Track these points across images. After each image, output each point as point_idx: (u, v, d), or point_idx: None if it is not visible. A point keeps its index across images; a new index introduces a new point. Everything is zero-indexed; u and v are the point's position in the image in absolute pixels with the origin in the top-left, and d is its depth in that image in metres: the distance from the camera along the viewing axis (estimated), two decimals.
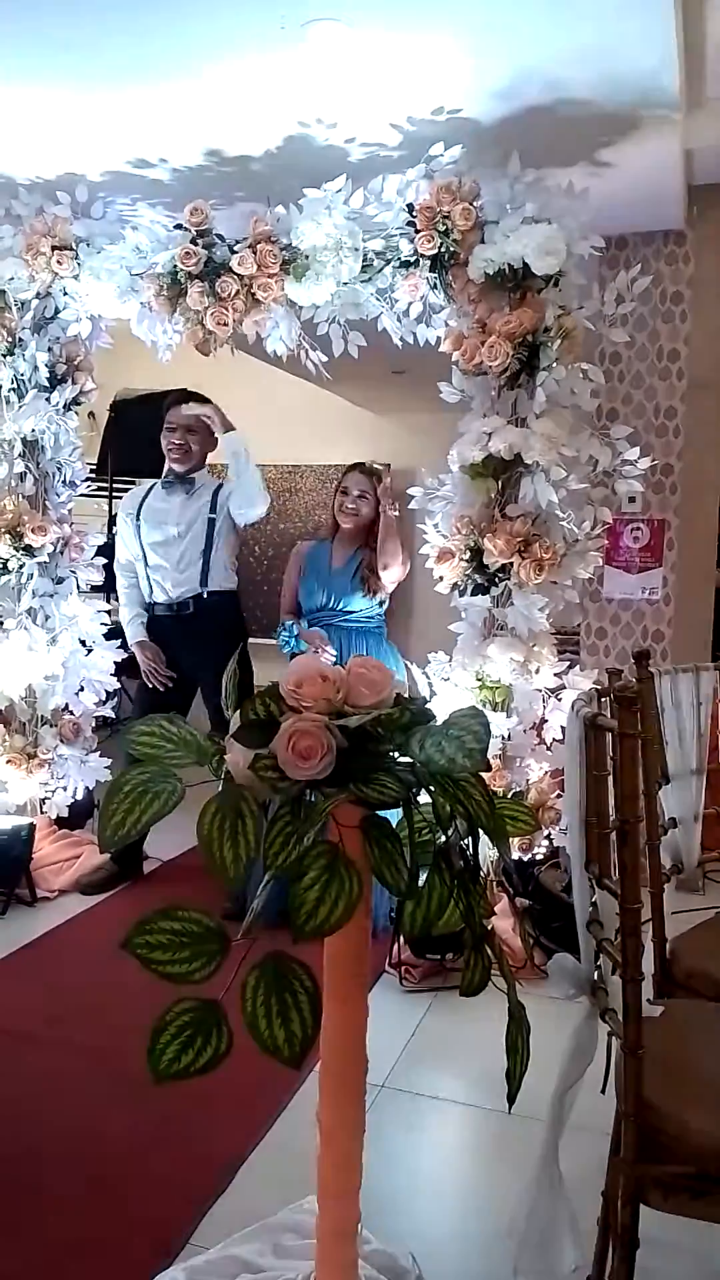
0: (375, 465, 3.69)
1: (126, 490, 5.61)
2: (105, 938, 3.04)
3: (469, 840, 1.34)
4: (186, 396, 3.64)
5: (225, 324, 3.21)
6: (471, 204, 2.92)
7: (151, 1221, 1.83)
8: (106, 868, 3.65)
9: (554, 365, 2.90)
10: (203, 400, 3.64)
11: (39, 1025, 2.58)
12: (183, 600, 3.64)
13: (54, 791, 3.68)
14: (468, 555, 3.05)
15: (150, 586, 3.69)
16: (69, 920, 3.35)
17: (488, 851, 2.83)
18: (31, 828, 3.48)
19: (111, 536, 4.19)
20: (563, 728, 2.91)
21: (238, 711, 1.34)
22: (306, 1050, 1.20)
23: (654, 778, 1.78)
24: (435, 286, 3.06)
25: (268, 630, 3.78)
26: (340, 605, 3.50)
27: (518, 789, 3.08)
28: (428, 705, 1.41)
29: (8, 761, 3.58)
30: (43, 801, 3.69)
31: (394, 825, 1.30)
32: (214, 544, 3.65)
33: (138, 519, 3.70)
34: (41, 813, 3.69)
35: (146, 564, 3.67)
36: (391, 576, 3.47)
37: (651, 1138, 1.32)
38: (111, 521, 5.52)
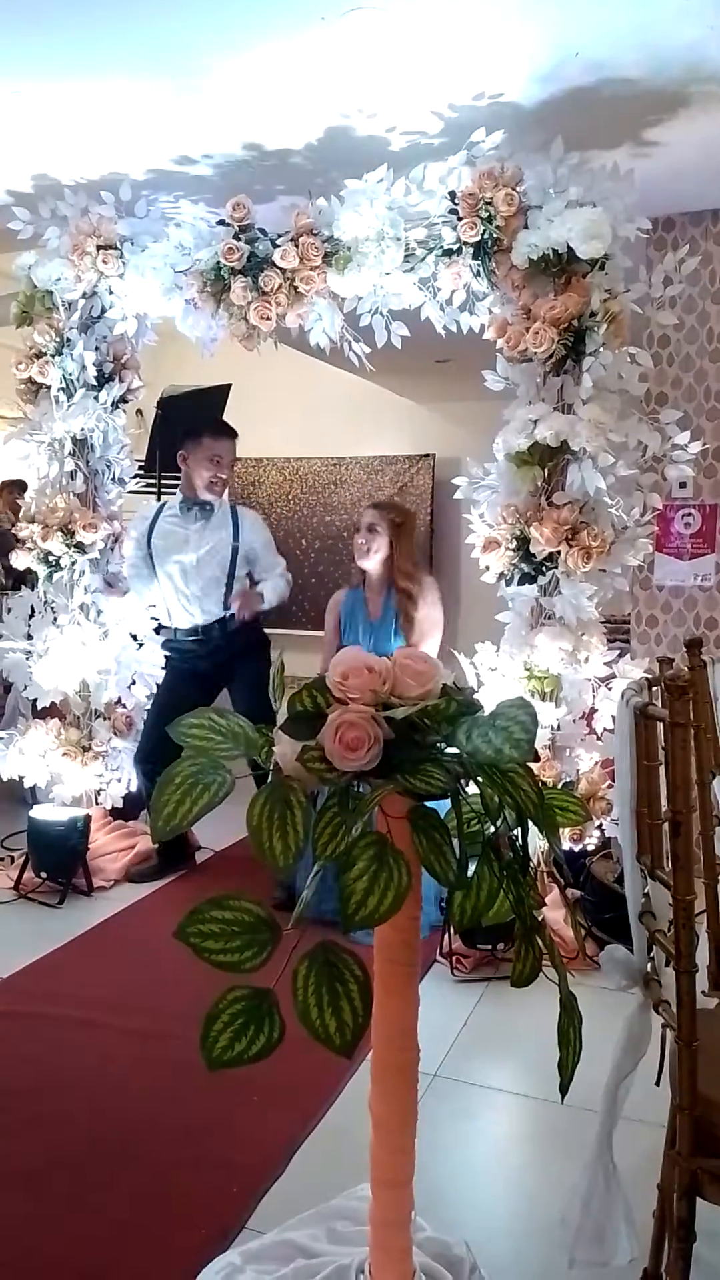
0: (393, 501, 3.61)
1: (174, 486, 5.68)
2: (159, 926, 3.09)
3: (518, 831, 1.33)
4: (224, 429, 3.65)
5: (269, 318, 3.22)
6: (514, 189, 2.89)
7: (208, 1206, 1.86)
8: (155, 857, 3.71)
9: (600, 350, 2.86)
10: (233, 435, 3.66)
11: (97, 1012, 2.63)
12: (207, 626, 3.62)
13: (108, 783, 3.74)
14: (514, 544, 3.02)
15: (169, 612, 3.66)
16: (124, 909, 3.41)
17: (538, 842, 2.81)
18: (87, 819, 3.55)
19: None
20: (613, 717, 2.88)
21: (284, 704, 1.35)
22: (357, 1039, 1.21)
23: (707, 768, 1.75)
24: (478, 274, 3.03)
25: (315, 623, 3.80)
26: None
27: (568, 779, 3.06)
28: (475, 696, 1.41)
29: (63, 754, 3.65)
30: (97, 793, 3.76)
31: (442, 816, 1.30)
32: (236, 572, 3.62)
33: (148, 545, 3.64)
34: (96, 804, 3.76)
35: (161, 589, 3.65)
36: (431, 647, 3.41)
37: (707, 1131, 1.31)
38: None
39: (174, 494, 3.82)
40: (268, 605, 3.62)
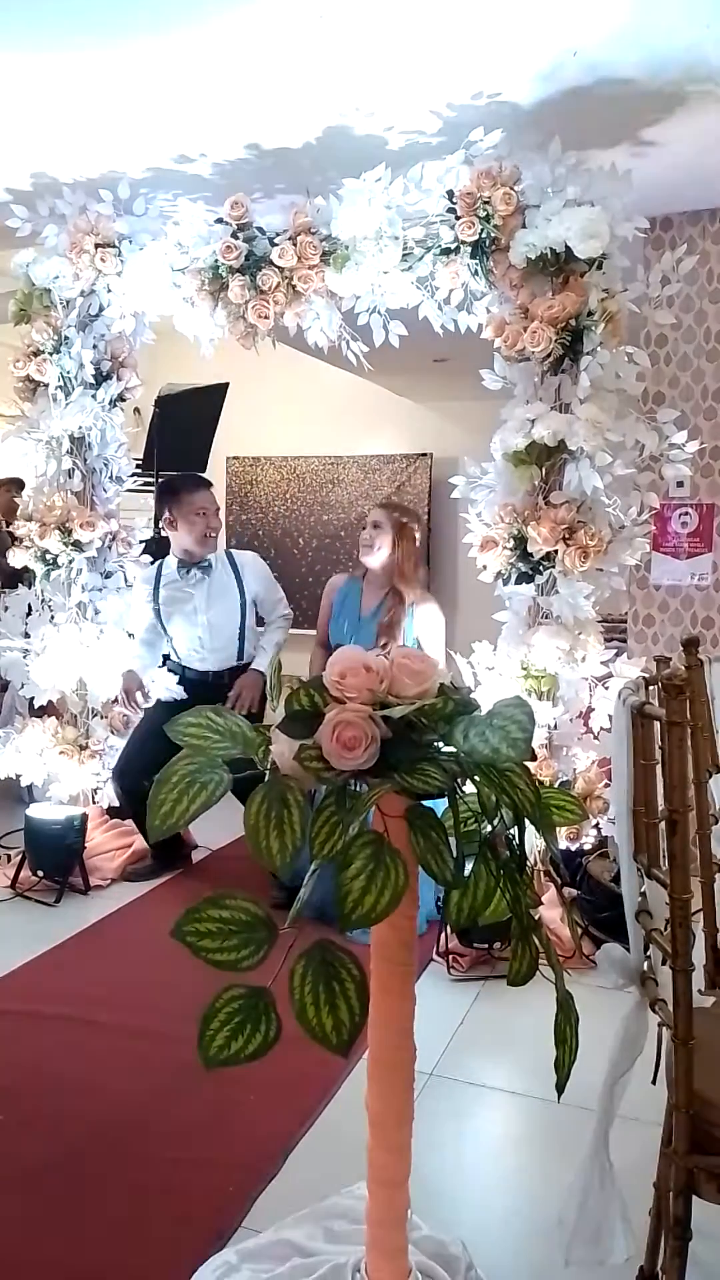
0: (402, 504, 3.63)
1: None
2: (156, 925, 3.09)
3: (515, 830, 1.33)
4: (198, 481, 3.66)
5: (267, 317, 3.22)
6: (512, 188, 2.89)
7: (204, 1205, 1.86)
8: (150, 857, 3.70)
9: (598, 349, 2.86)
10: (208, 484, 3.67)
11: (92, 1011, 2.63)
12: (219, 672, 3.64)
13: (105, 782, 3.74)
14: (511, 544, 3.03)
15: (179, 658, 3.68)
16: (121, 908, 3.41)
17: (534, 841, 2.81)
18: (84, 818, 3.55)
19: (158, 531, 4.22)
20: (610, 716, 2.88)
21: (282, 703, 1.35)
22: (354, 1038, 1.21)
23: (704, 766, 1.75)
24: (476, 273, 3.03)
25: (310, 621, 3.80)
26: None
27: (565, 778, 3.07)
28: (472, 695, 1.41)
29: (60, 753, 3.65)
30: (94, 792, 3.75)
31: (439, 815, 1.30)
32: (246, 620, 3.64)
33: (156, 601, 3.66)
34: (93, 803, 3.76)
35: (172, 641, 3.66)
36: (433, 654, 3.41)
37: (703, 1129, 1.31)
38: (158, 517, 5.58)
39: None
40: (269, 669, 3.61)
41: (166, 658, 3.76)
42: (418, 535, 3.51)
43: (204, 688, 3.62)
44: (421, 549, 3.50)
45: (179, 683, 3.67)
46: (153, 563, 3.80)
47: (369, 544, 3.44)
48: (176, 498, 3.58)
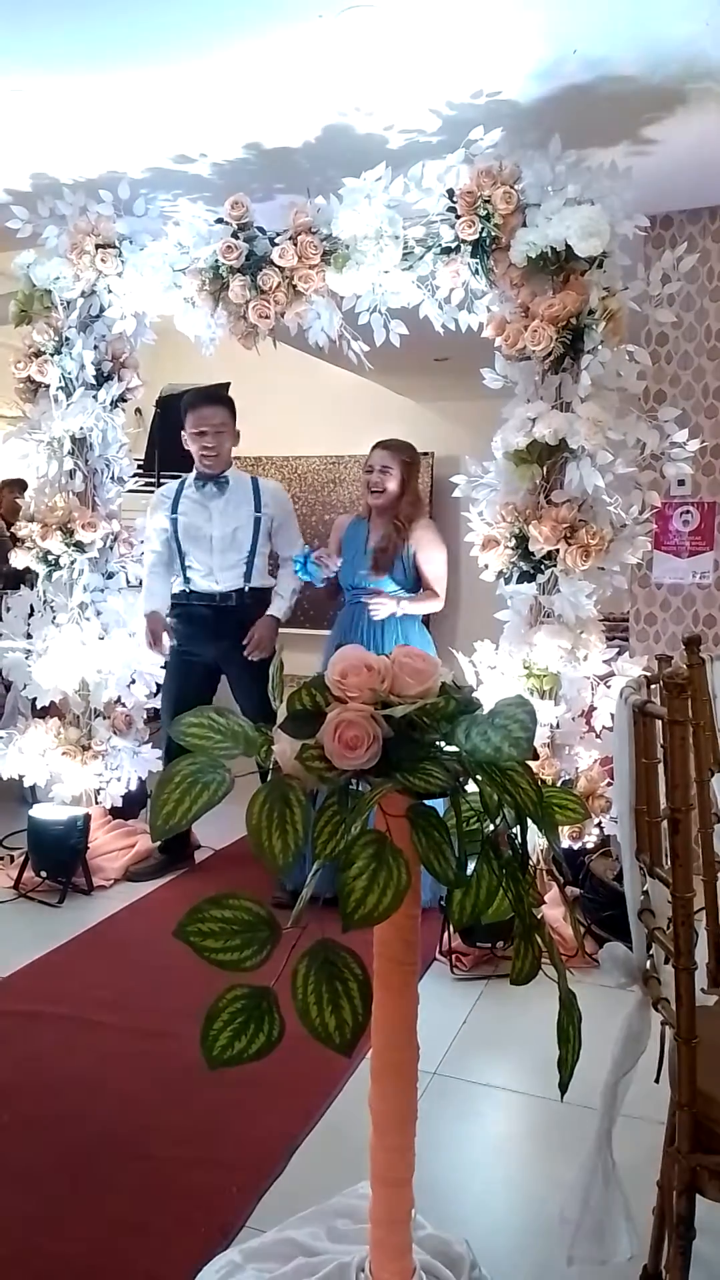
0: (402, 440, 3.64)
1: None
2: (159, 925, 3.09)
3: (517, 829, 1.33)
4: (206, 396, 3.62)
5: (267, 316, 3.22)
6: (513, 187, 2.89)
7: (208, 1205, 1.87)
8: (155, 856, 3.71)
9: (599, 348, 2.86)
10: (219, 399, 3.62)
11: (97, 1011, 2.63)
12: (225, 593, 3.62)
13: (108, 782, 3.74)
14: (513, 543, 3.03)
15: (187, 578, 3.66)
16: (124, 908, 3.41)
17: (537, 840, 2.81)
18: (87, 818, 3.55)
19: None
20: (612, 715, 2.88)
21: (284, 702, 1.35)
22: (357, 1037, 1.21)
23: (706, 765, 1.75)
24: (477, 272, 3.03)
25: (314, 622, 3.80)
26: (374, 585, 3.48)
27: (567, 777, 3.06)
28: (474, 694, 1.41)
29: (63, 753, 3.65)
30: (97, 792, 3.76)
31: (441, 814, 1.30)
32: (259, 542, 3.62)
33: (174, 513, 3.65)
34: (96, 803, 3.76)
35: (185, 564, 3.64)
36: (435, 590, 3.49)
37: (707, 1128, 1.31)
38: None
39: None
40: (285, 618, 3.63)
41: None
42: (420, 468, 3.55)
43: (211, 614, 3.62)
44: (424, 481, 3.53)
45: (185, 614, 3.66)
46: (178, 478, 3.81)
47: (379, 488, 3.48)
48: (184, 416, 3.61)
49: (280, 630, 3.61)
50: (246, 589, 3.63)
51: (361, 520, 3.63)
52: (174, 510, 3.65)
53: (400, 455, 3.51)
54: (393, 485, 3.47)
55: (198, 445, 3.58)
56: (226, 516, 3.61)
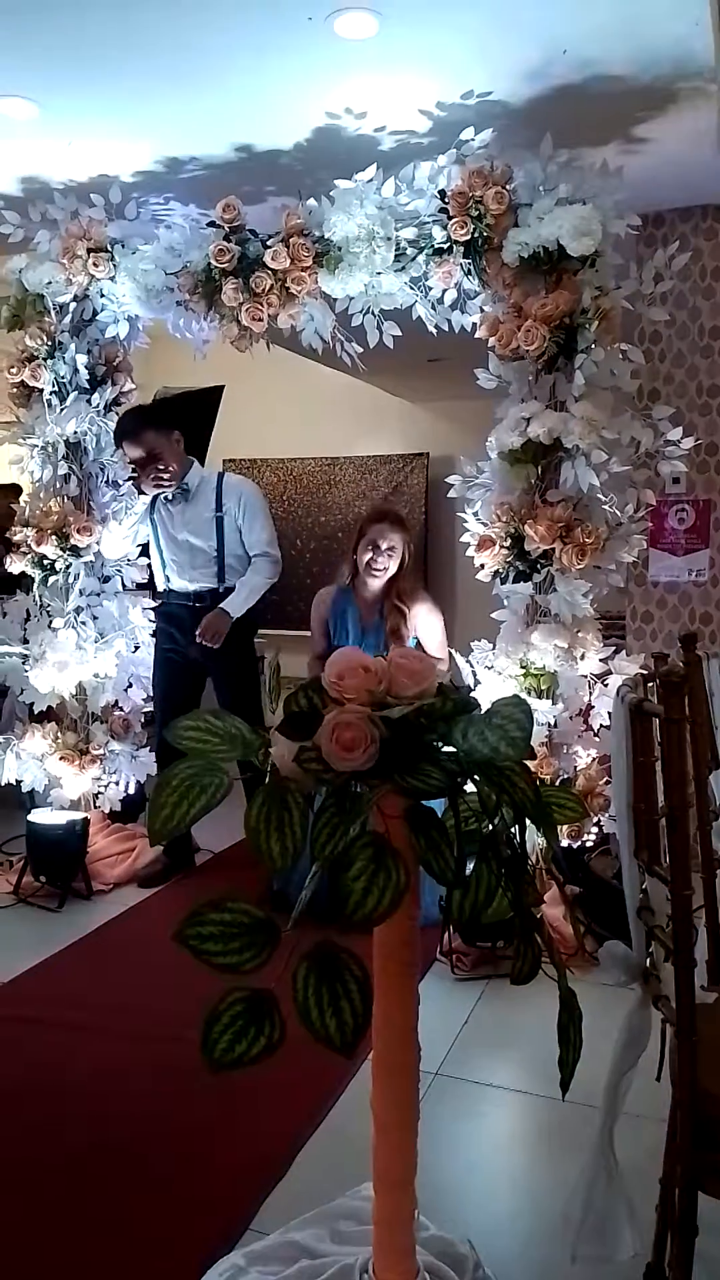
0: (399, 512, 3.63)
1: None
2: (159, 929, 3.09)
3: (516, 829, 1.33)
4: (123, 432, 3.62)
5: (260, 319, 3.22)
6: (504, 187, 2.90)
7: (211, 1208, 1.87)
8: (161, 860, 3.71)
9: (592, 347, 2.86)
10: (142, 425, 3.63)
11: (97, 1016, 2.63)
12: (200, 593, 3.72)
13: (106, 786, 3.74)
14: (508, 542, 3.03)
15: (167, 576, 3.77)
16: (123, 913, 3.41)
17: (536, 839, 2.82)
18: (86, 822, 3.55)
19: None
20: (609, 713, 2.88)
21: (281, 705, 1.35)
22: (358, 1038, 1.21)
23: (704, 762, 1.76)
24: (469, 272, 3.04)
25: (308, 623, 3.79)
26: None
27: (565, 776, 3.07)
28: (471, 694, 1.41)
29: (61, 758, 3.64)
30: (96, 796, 3.75)
31: (440, 815, 1.30)
32: (224, 540, 3.68)
33: (152, 517, 3.77)
34: (95, 807, 3.76)
35: (164, 559, 3.76)
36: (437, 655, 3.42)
37: (708, 1125, 1.31)
38: None
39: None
40: (237, 613, 3.65)
41: (155, 595, 3.83)
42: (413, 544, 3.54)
43: (188, 613, 3.70)
44: (416, 544, 3.51)
45: (165, 613, 3.76)
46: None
47: (383, 569, 3.39)
48: (118, 448, 3.66)
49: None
50: (220, 589, 3.70)
51: (347, 591, 3.50)
52: (153, 512, 3.77)
53: (406, 537, 3.43)
54: (394, 567, 3.40)
55: (145, 479, 3.63)
56: (189, 519, 3.70)
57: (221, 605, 3.65)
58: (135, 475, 3.67)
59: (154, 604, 3.83)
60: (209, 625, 3.60)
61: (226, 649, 3.63)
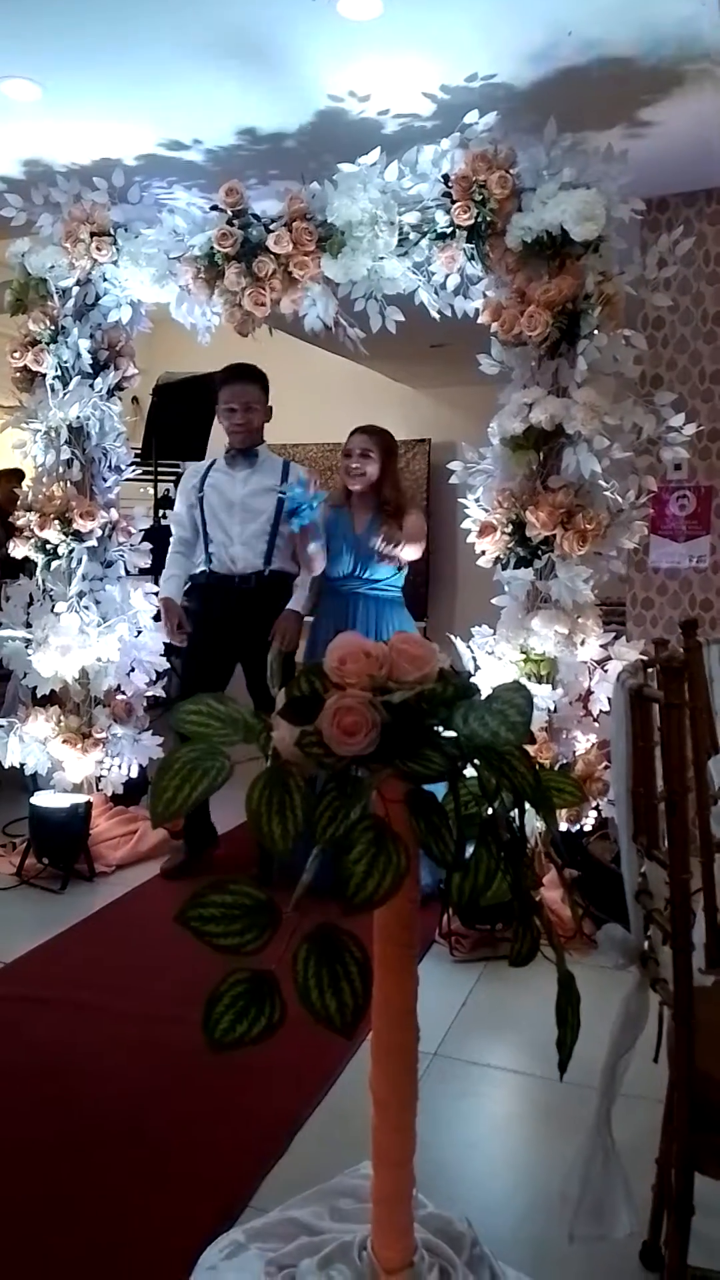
0: (379, 426, 3.61)
1: (171, 473, 5.63)
2: (160, 911, 3.10)
3: (515, 813, 1.34)
4: (235, 373, 3.55)
5: (263, 304, 3.21)
6: (508, 172, 2.88)
7: (212, 1185, 1.89)
8: (182, 852, 3.66)
9: (595, 333, 2.86)
10: (249, 376, 3.55)
11: (100, 996, 2.65)
12: (245, 574, 3.52)
13: (109, 770, 3.76)
14: (510, 528, 3.03)
15: (209, 557, 3.57)
16: (126, 894, 3.43)
17: (535, 823, 2.83)
18: (88, 805, 3.56)
19: (157, 520, 4.21)
20: (609, 699, 2.89)
21: (283, 689, 1.36)
22: (358, 1019, 1.23)
23: (703, 747, 1.76)
24: (472, 257, 3.02)
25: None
26: (366, 574, 3.44)
27: (565, 761, 3.08)
28: (472, 679, 1.42)
29: (64, 741, 3.66)
30: (98, 780, 3.77)
31: (440, 799, 1.31)
32: (281, 526, 3.51)
33: (200, 490, 3.59)
34: (97, 790, 3.78)
35: (208, 538, 3.56)
36: (409, 555, 3.46)
37: (704, 1106, 1.33)
38: (158, 505, 5.57)
39: (171, 481, 3.78)
40: (305, 608, 3.54)
41: (189, 582, 3.69)
42: (398, 453, 3.53)
43: (228, 598, 3.54)
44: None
45: (202, 595, 3.62)
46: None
47: (360, 472, 3.43)
48: (217, 393, 3.56)
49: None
50: (266, 571, 3.52)
51: (340, 508, 3.54)
52: (201, 487, 3.59)
53: (379, 440, 3.46)
54: (372, 470, 3.42)
55: (228, 421, 3.52)
56: (250, 485, 3.53)
57: (290, 606, 3.51)
58: (221, 413, 3.54)
59: (187, 584, 3.66)
60: (282, 628, 3.46)
61: (265, 632, 3.49)
